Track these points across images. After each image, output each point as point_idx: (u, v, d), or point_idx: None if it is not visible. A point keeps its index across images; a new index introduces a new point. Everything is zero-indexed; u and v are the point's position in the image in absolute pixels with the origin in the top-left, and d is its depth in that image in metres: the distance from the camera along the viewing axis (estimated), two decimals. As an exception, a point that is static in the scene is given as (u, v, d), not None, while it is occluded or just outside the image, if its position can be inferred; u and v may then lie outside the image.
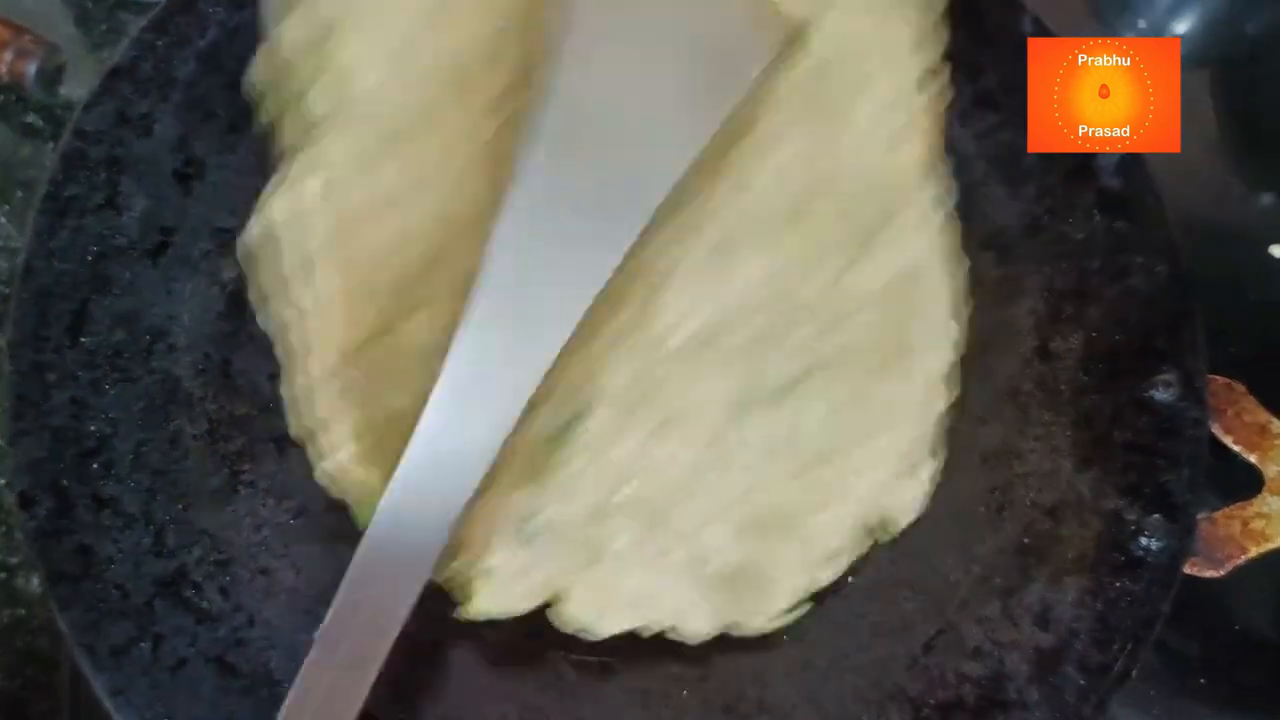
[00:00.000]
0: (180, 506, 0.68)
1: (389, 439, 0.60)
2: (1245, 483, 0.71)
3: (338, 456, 0.63)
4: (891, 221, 0.71)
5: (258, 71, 0.69)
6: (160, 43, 0.75)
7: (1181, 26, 1.05)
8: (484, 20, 0.68)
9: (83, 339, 0.70)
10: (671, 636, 0.66)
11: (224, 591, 0.67)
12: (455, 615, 0.63)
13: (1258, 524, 0.69)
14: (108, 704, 0.64)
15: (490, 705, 0.66)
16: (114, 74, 0.74)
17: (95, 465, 0.67)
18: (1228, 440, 0.71)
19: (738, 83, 0.67)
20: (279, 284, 0.63)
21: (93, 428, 0.68)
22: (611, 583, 0.64)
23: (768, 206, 0.70)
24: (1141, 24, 1.05)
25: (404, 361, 0.63)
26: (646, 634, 0.65)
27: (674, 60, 0.67)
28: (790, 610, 0.67)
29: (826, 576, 0.67)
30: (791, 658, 0.68)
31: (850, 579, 0.70)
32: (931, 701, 0.67)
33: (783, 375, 0.67)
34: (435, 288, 0.64)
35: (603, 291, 0.63)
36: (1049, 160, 0.78)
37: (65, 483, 0.67)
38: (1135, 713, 0.79)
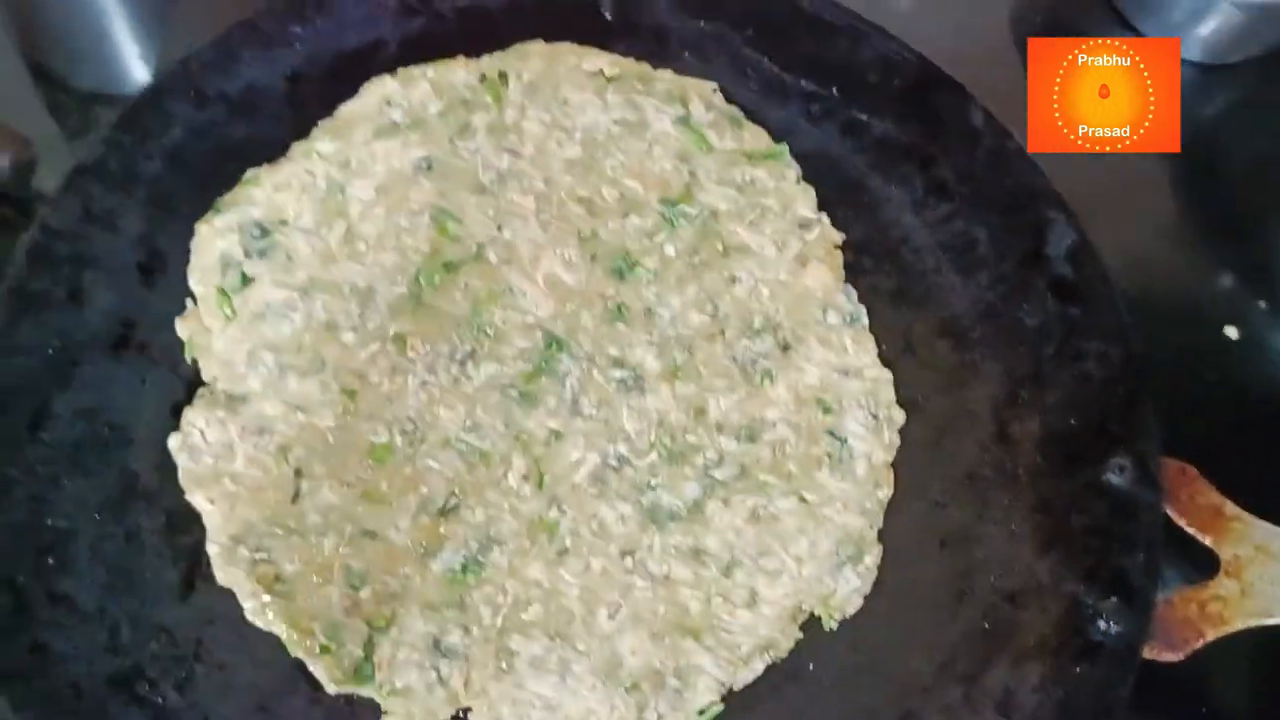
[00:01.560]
0: (137, 602, 0.68)
1: (286, 596, 0.68)
2: (1201, 565, 0.71)
3: (245, 608, 0.68)
4: (798, 344, 0.76)
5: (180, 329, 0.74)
6: (127, 140, 0.76)
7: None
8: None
9: (42, 434, 0.70)
10: None
11: (179, 688, 0.66)
12: None
13: (1215, 606, 0.69)
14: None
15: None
16: (81, 172, 0.75)
17: (51, 561, 0.67)
18: (1182, 523, 0.72)
19: None
20: (189, 483, 0.70)
21: (50, 522, 0.68)
22: (522, 691, 0.68)
23: (675, 336, 0.76)
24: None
25: (291, 538, 0.69)
26: None
27: None
28: (703, 711, 0.68)
29: (747, 675, 0.70)
30: (756, 749, 0.68)
31: (811, 667, 0.70)
32: (894, 791, 0.67)
33: (688, 496, 0.73)
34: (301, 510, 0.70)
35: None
36: (1002, 248, 0.79)
37: (21, 579, 0.66)
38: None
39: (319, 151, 0.78)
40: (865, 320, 0.78)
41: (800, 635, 0.71)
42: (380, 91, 0.80)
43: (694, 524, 0.72)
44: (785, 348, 0.76)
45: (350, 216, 0.76)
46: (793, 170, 0.82)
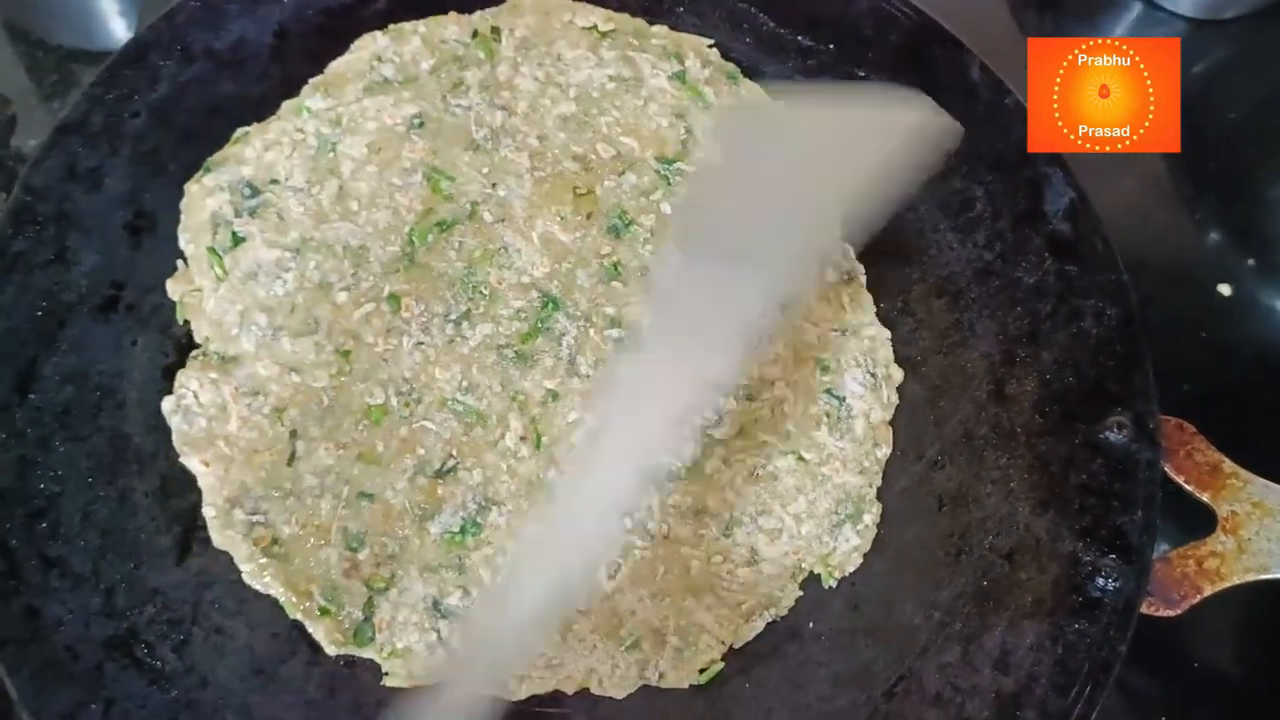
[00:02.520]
0: (131, 565, 0.67)
1: (283, 559, 0.68)
2: (1198, 522, 0.71)
3: (242, 571, 0.68)
4: (794, 304, 0.76)
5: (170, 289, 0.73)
6: (110, 96, 0.75)
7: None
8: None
9: (31, 396, 0.68)
10: (595, 693, 0.68)
11: (176, 651, 0.66)
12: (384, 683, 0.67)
13: (1212, 563, 0.70)
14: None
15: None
16: (63, 129, 0.73)
17: (43, 525, 0.66)
18: (1180, 480, 0.72)
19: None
20: (183, 445, 0.70)
21: (41, 486, 0.67)
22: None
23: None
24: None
25: (288, 500, 0.69)
26: (570, 691, 0.67)
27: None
28: (706, 670, 0.69)
29: (747, 633, 0.70)
30: (753, 707, 0.68)
31: (810, 625, 0.70)
32: (894, 749, 0.67)
33: (686, 455, 0.72)
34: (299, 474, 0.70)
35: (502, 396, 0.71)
36: (999, 206, 0.79)
37: (13, 543, 0.65)
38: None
39: (309, 108, 0.77)
40: (863, 278, 0.78)
41: (800, 593, 0.71)
42: (371, 47, 0.79)
43: (693, 483, 0.72)
44: (783, 306, 0.76)
45: (342, 174, 0.75)
46: None
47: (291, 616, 0.67)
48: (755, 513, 0.72)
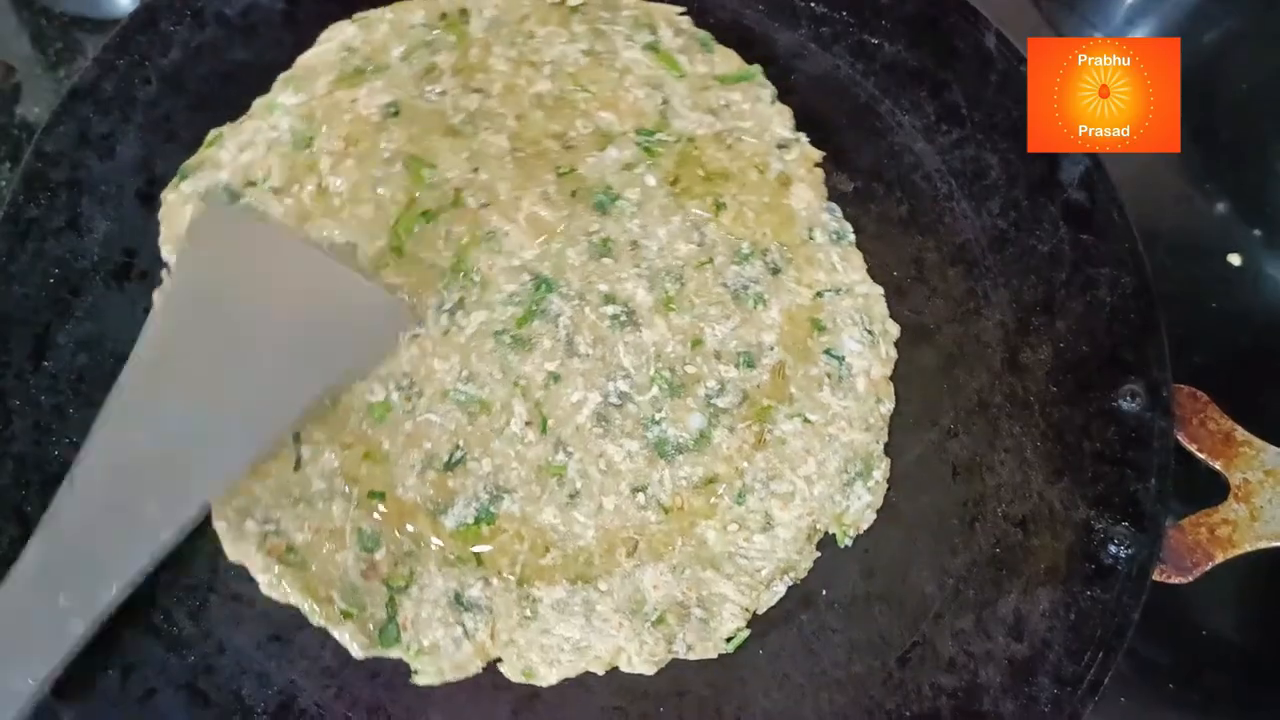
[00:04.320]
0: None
1: (299, 566, 0.68)
2: (1211, 490, 0.72)
3: (260, 582, 0.67)
4: (787, 266, 0.76)
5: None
6: (121, 62, 0.74)
7: (1137, 36, 1.06)
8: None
9: (45, 363, 0.69)
10: (625, 671, 0.68)
11: (193, 617, 0.66)
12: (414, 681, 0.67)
13: (1224, 530, 0.70)
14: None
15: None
16: (74, 95, 0.73)
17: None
18: (1193, 448, 0.72)
19: (347, 366, 0.69)
20: None
21: (56, 453, 0.67)
22: (549, 636, 0.68)
23: (664, 267, 0.75)
24: (1096, 35, 1.06)
25: (299, 506, 0.69)
26: (600, 671, 0.68)
27: (283, 335, 0.68)
28: (732, 638, 0.69)
29: (769, 599, 0.70)
30: (769, 674, 0.69)
31: (824, 593, 0.70)
32: (908, 715, 0.68)
33: (693, 427, 0.72)
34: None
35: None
36: (1014, 174, 0.79)
37: (28, 509, 0.66)
38: (1106, 720, 0.80)
39: (281, 104, 0.76)
40: (852, 237, 0.78)
41: (818, 554, 0.71)
42: (339, 37, 0.78)
43: (702, 454, 0.72)
44: (775, 270, 0.76)
45: (320, 171, 0.74)
46: (767, 91, 0.80)
47: (316, 624, 0.66)
48: (766, 478, 0.72)
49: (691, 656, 0.68)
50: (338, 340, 0.68)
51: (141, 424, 0.64)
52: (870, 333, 0.75)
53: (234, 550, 0.67)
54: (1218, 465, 0.72)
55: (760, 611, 0.69)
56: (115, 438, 0.64)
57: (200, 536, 0.67)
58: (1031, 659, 0.68)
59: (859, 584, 0.71)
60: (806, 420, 0.73)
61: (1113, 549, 0.70)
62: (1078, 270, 0.76)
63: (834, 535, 0.72)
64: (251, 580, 0.67)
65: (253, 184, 0.73)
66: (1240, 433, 0.72)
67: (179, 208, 0.73)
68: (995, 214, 0.79)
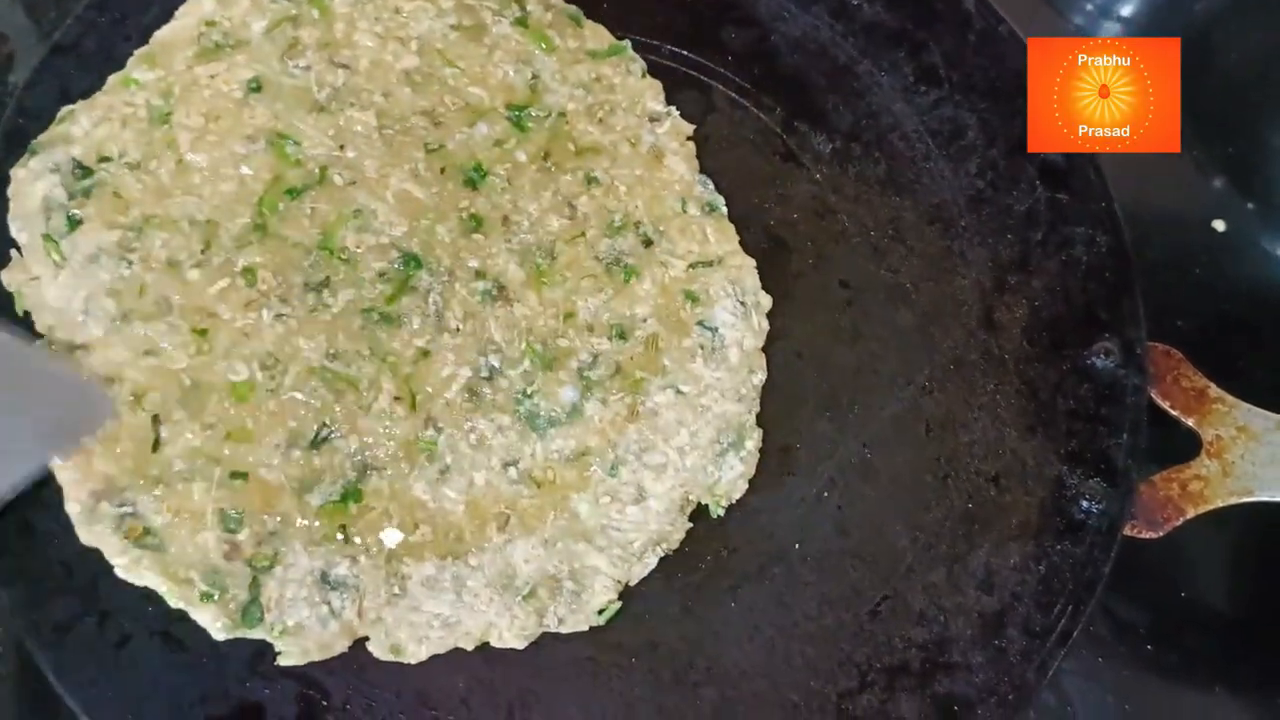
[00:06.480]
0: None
1: (157, 549, 0.65)
2: (1183, 447, 0.72)
3: (115, 566, 0.65)
4: (660, 239, 0.76)
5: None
6: (103, 20, 0.75)
7: (1129, 8, 1.06)
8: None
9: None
10: (496, 644, 0.67)
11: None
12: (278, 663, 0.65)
13: (1195, 486, 0.70)
14: (53, 681, 0.64)
15: (443, 677, 0.67)
16: (56, 51, 0.74)
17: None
18: (1166, 405, 0.72)
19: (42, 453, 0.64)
20: None
21: (35, 405, 0.68)
22: (419, 613, 0.67)
23: (535, 242, 0.74)
24: (1089, 6, 1.06)
25: (157, 488, 0.67)
26: (469, 647, 0.67)
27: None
28: (603, 610, 0.69)
29: (641, 571, 0.70)
30: (740, 627, 0.69)
31: (797, 546, 0.71)
32: (878, 666, 0.68)
33: (565, 400, 0.72)
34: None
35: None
36: (991, 134, 0.79)
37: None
38: (1086, 682, 0.80)
39: (136, 80, 0.74)
40: (724, 209, 0.77)
41: (690, 525, 0.71)
42: (198, 12, 0.76)
43: (574, 427, 0.71)
44: (648, 243, 0.75)
45: (179, 147, 0.73)
46: (638, 65, 0.80)
47: (173, 605, 0.65)
48: (639, 450, 0.71)
49: (563, 630, 0.68)
50: (29, 427, 0.61)
51: None
52: (743, 304, 0.75)
53: (87, 535, 0.65)
54: (1190, 422, 0.72)
55: (632, 584, 0.69)
56: None
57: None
58: (1001, 612, 0.69)
59: (832, 539, 0.71)
60: (679, 392, 0.73)
61: (1084, 504, 0.70)
62: (1053, 229, 0.77)
63: (707, 506, 0.72)
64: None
65: (107, 159, 0.72)
66: (1213, 390, 0.73)
67: (29, 183, 0.71)
68: (972, 174, 0.79)
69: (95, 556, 0.65)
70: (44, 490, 0.66)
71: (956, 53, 0.80)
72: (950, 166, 0.79)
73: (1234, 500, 0.70)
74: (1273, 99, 1.03)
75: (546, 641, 0.68)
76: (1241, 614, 0.82)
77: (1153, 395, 0.72)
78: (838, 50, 0.82)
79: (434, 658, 0.66)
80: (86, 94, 0.73)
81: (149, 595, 0.65)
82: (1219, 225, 0.93)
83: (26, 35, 1.00)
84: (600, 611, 0.68)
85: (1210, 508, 0.70)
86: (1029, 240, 0.77)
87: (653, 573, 0.70)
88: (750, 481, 0.72)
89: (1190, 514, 0.69)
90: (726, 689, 0.68)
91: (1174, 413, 0.72)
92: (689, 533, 0.71)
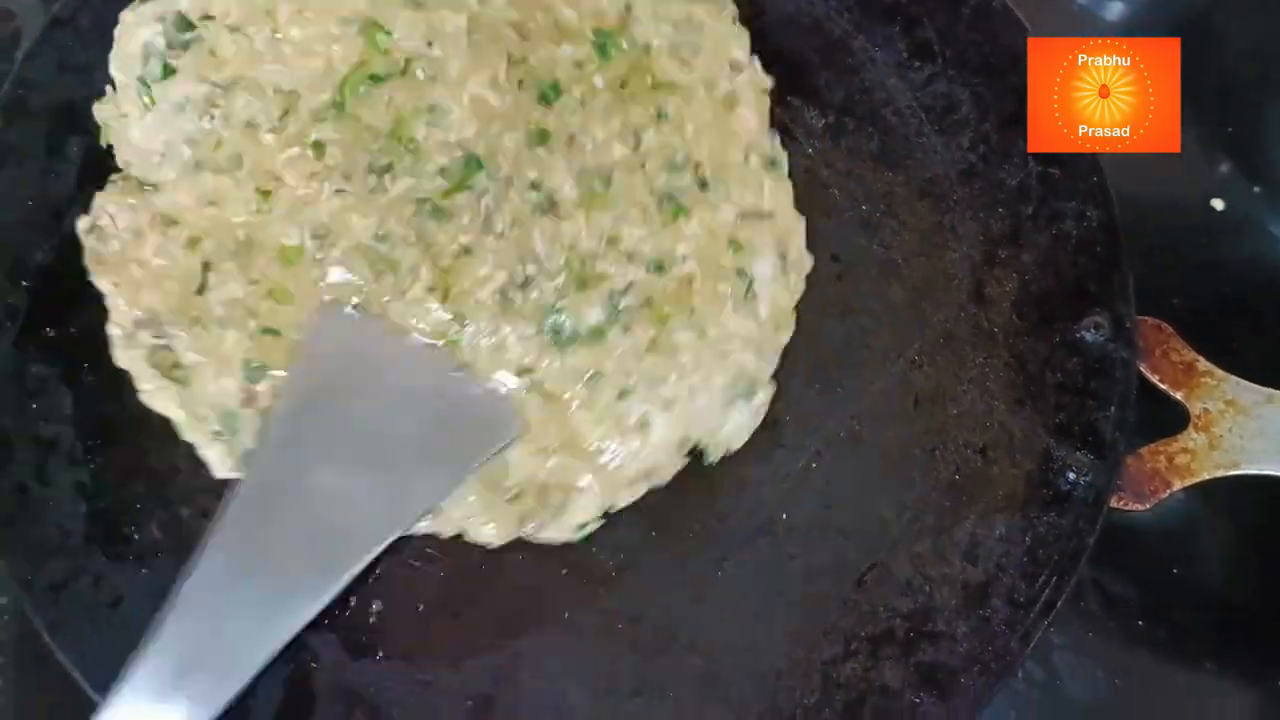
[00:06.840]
0: (120, 445, 0.69)
1: (182, 382, 0.69)
2: (1171, 420, 0.72)
3: (140, 392, 0.69)
4: (716, 184, 0.76)
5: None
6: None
7: (1132, -7, 1.06)
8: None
9: (23, 283, 0.70)
10: (469, 539, 0.69)
11: (164, 529, 0.68)
12: None
13: (1182, 459, 0.70)
14: (47, 639, 0.65)
15: (431, 638, 0.68)
16: (55, 24, 0.75)
17: (34, 405, 0.68)
18: (1155, 379, 0.73)
19: (461, 464, 0.69)
20: (95, 265, 0.71)
21: (34, 369, 0.69)
22: None
23: (595, 166, 0.75)
24: (1084, -3, 1.05)
25: (194, 329, 0.70)
26: (443, 536, 0.69)
27: (396, 434, 0.69)
28: (583, 527, 0.70)
29: (628, 497, 0.71)
30: (725, 599, 0.70)
31: (784, 517, 0.71)
32: (862, 635, 0.69)
33: (590, 320, 0.72)
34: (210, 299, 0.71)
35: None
36: (983, 109, 0.79)
37: (5, 422, 0.68)
38: (1076, 657, 0.80)
39: None
40: (785, 167, 0.77)
41: (684, 462, 0.71)
42: None
43: (594, 349, 0.72)
44: (703, 185, 0.75)
45: (278, 19, 0.74)
46: (729, 10, 0.80)
47: (185, 438, 0.68)
48: (651, 381, 0.72)
49: (540, 537, 0.69)
50: (458, 436, 0.69)
51: (270, 519, 0.66)
52: (784, 258, 0.75)
53: (123, 357, 0.69)
54: (1179, 395, 0.72)
55: (615, 509, 0.70)
56: (238, 536, 0.65)
57: (176, 453, 0.69)
58: (987, 582, 0.69)
59: (819, 511, 0.72)
60: (703, 334, 0.73)
61: (1071, 476, 0.70)
62: (1044, 204, 0.77)
63: (702, 454, 0.72)
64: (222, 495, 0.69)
65: (210, 18, 0.74)
66: (1202, 364, 0.73)
67: (135, 28, 0.74)
68: (965, 148, 0.79)
69: (88, 516, 0.67)
70: (40, 453, 0.67)
71: (950, 28, 0.80)
72: (943, 141, 0.79)
73: (1220, 473, 0.70)
74: (1270, 75, 1.03)
75: (531, 608, 0.69)
76: (1232, 591, 0.82)
77: (1141, 369, 0.72)
78: (831, 25, 0.82)
79: (421, 619, 0.68)
80: (86, 67, 0.74)
81: (142, 556, 0.67)
82: (1217, 204, 0.93)
83: (34, 13, 1.01)
84: (581, 527, 0.69)
85: (1196, 480, 0.70)
86: (1020, 214, 0.77)
87: (639, 541, 0.70)
88: (738, 452, 0.72)
89: (1177, 486, 0.70)
90: (711, 658, 0.68)
91: (1162, 386, 0.72)
92: (676, 502, 0.71)
